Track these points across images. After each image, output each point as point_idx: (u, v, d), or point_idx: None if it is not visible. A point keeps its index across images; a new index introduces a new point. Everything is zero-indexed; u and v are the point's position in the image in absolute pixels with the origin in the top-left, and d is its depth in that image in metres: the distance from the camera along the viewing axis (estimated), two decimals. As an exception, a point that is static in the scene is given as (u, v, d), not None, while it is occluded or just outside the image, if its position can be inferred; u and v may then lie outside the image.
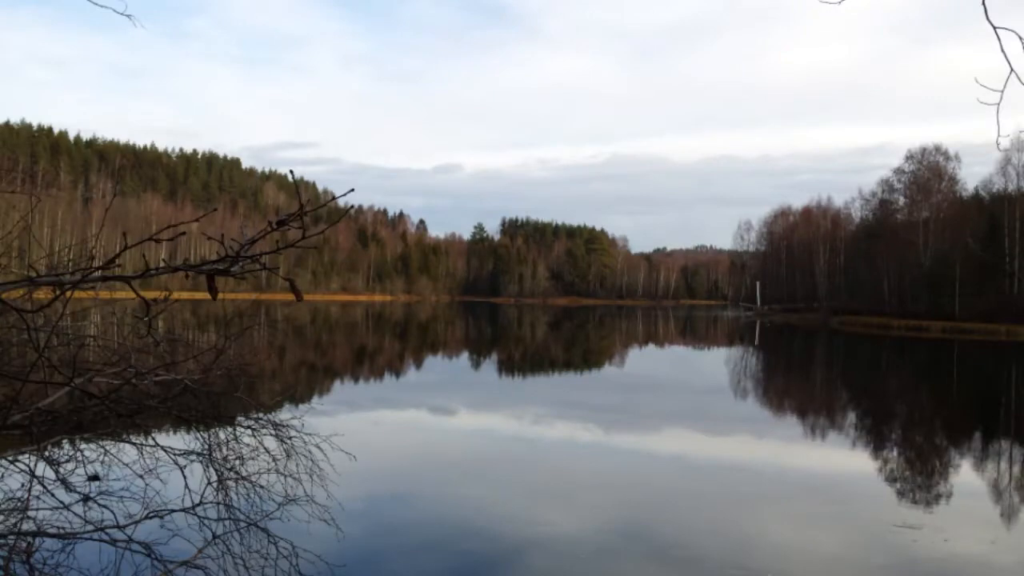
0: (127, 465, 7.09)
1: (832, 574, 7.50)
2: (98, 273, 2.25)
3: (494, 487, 10.72)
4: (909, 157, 79.20)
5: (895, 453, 14.55)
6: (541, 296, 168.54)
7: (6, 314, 7.11)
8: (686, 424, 16.86)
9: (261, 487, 6.89)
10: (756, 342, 54.15)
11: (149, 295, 3.36)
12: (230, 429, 7.36)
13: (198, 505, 6.44)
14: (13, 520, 5.58)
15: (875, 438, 16.23)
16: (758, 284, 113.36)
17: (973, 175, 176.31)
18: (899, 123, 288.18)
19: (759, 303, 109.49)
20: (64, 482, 6.65)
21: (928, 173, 77.06)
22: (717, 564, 7.47)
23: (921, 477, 12.34)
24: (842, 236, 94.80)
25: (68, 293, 2.58)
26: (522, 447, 13.73)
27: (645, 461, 12.91)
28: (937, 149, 77.60)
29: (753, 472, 12.08)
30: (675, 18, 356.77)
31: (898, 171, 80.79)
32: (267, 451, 7.22)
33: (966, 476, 12.49)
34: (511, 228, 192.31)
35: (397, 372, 27.63)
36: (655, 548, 8.14)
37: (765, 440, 15.28)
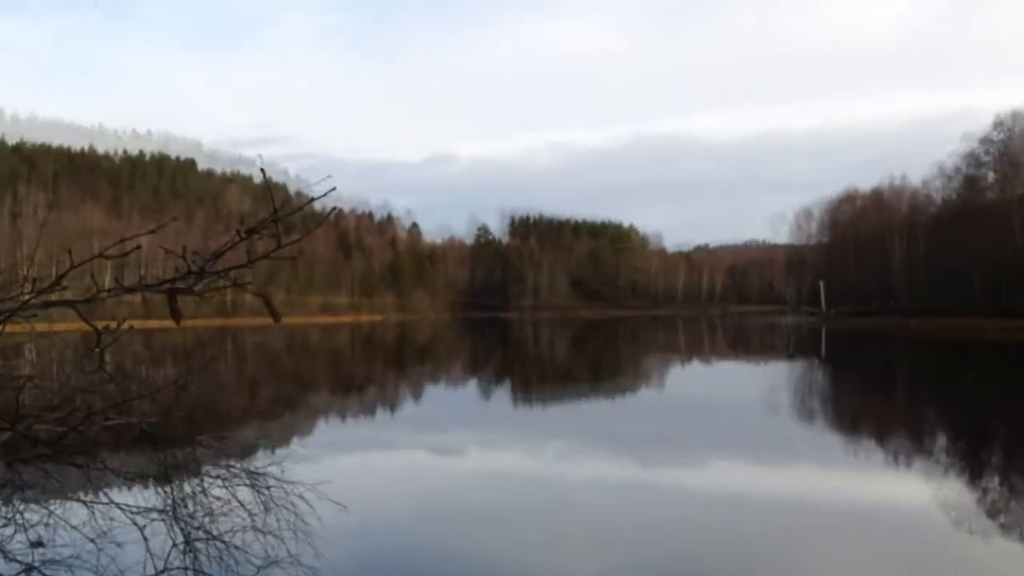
0: (76, 528, 7.15)
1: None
2: (40, 299, 2.29)
3: (513, 538, 10.72)
4: (997, 124, 79.16)
5: (996, 485, 14.47)
6: (560, 308, 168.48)
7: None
8: (740, 456, 16.80)
9: (236, 547, 6.93)
10: (822, 354, 53.96)
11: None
12: (196, 480, 7.41)
13: (162, 572, 6.49)
14: (-56, 597, 5.63)
15: (971, 468, 16.13)
16: (822, 284, 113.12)
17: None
18: (983, 84, 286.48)
19: (824, 306, 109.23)
20: (2, 550, 6.71)
21: (1022, 142, 76.80)
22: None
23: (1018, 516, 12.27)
24: (921, 222, 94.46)
25: (1, 328, 2.62)
26: (545, 489, 13.72)
27: (691, 500, 12.87)
28: (1031, 113, 77.42)
29: (825, 511, 12.03)
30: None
31: (985, 141, 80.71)
32: (241, 505, 7.26)
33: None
34: (521, 228, 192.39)
35: (392, 407, 27.70)
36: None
37: (837, 473, 15.22)
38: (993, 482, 14.48)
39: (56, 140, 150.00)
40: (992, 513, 12.10)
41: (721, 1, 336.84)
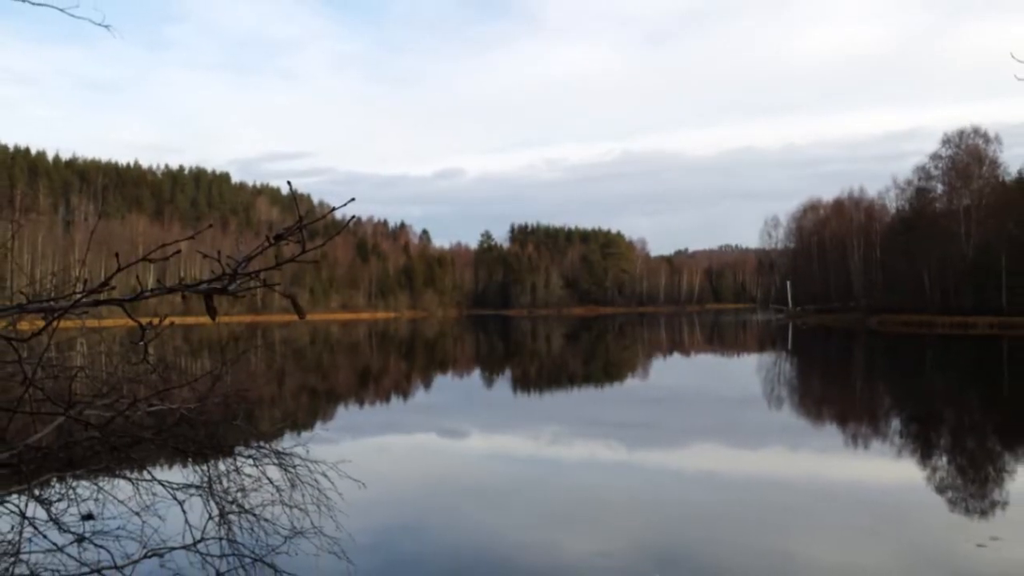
0: (122, 502, 7.15)
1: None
2: (90, 297, 2.30)
3: (513, 514, 10.72)
4: (946, 141, 79.09)
5: (947, 461, 14.47)
6: (556, 306, 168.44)
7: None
8: (718, 438, 16.80)
9: (265, 520, 6.93)
10: (789, 347, 53.94)
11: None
12: (230, 460, 7.41)
13: (199, 542, 6.48)
14: (5, 564, 5.64)
15: (924, 446, 16.13)
16: (789, 284, 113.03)
17: (1016, 157, 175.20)
18: (933, 105, 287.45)
19: (791, 304, 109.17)
20: (57, 522, 6.70)
21: (967, 157, 76.82)
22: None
23: (976, 487, 12.26)
24: (877, 229, 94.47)
25: (55, 323, 2.63)
26: (542, 469, 13.72)
27: (675, 479, 12.88)
28: (976, 131, 77.47)
29: (795, 487, 12.04)
30: (688, 0, 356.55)
31: (935, 156, 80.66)
32: (270, 481, 7.26)
33: None
34: (521, 234, 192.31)
35: (405, 394, 27.69)
36: (689, 573, 8.12)
37: (805, 452, 15.22)
38: (941, 459, 14.47)
39: (104, 155, 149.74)
40: (940, 487, 12.11)
41: (703, 27, 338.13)
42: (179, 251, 2.29)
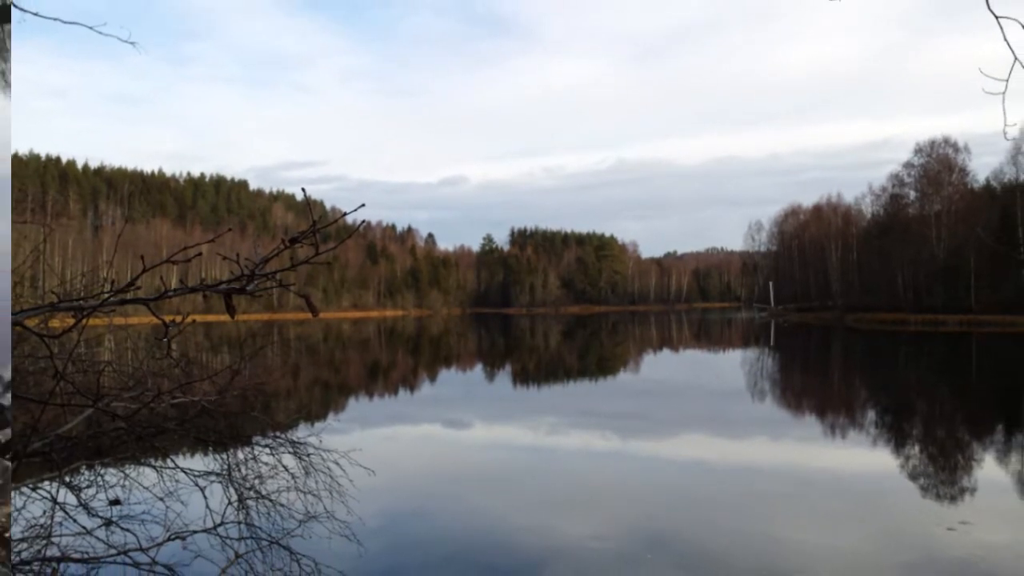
0: (147, 488, 7.16)
1: None
2: (117, 297, 2.30)
3: (514, 499, 10.72)
4: (918, 150, 78.94)
5: (920, 450, 14.46)
6: (553, 305, 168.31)
7: (21, 343, 7.20)
8: (705, 428, 16.80)
9: (281, 505, 6.94)
10: (772, 343, 53.92)
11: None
12: (248, 449, 7.42)
13: (219, 525, 6.48)
14: (37, 547, 5.64)
15: (898, 435, 16.13)
16: (771, 284, 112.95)
17: (984, 165, 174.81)
18: (906, 116, 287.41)
19: (773, 303, 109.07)
20: (86, 507, 6.71)
21: (938, 166, 76.71)
22: (743, 571, 7.44)
23: (947, 474, 12.25)
24: (854, 233, 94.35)
25: (85, 321, 2.63)
26: (540, 457, 13.72)
27: (665, 467, 12.87)
28: (946, 141, 77.31)
29: (777, 475, 12.02)
30: (677, 19, 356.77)
31: (908, 165, 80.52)
32: (286, 469, 7.27)
33: (995, 471, 12.38)
34: (520, 238, 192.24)
35: (412, 387, 27.67)
36: (678, 555, 8.12)
37: (786, 441, 15.21)
38: (913, 448, 14.46)
39: (131, 163, 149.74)
40: (913, 475, 12.11)
41: (691, 44, 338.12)
42: (200, 253, 2.29)
